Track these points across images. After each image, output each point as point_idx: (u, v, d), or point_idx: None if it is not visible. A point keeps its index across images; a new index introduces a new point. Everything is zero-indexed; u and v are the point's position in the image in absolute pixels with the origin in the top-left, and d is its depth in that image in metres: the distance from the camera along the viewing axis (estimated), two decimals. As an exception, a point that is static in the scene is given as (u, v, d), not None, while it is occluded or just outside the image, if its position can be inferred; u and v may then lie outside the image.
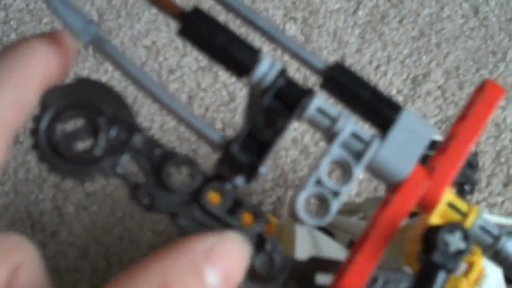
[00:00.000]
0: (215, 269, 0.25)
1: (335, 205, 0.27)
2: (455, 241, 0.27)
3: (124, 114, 0.28)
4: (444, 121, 0.71)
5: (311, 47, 0.74)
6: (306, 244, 0.45)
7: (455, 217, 0.29)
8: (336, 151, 0.28)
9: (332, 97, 0.29)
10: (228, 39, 0.27)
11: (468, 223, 0.29)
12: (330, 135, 0.28)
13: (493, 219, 0.44)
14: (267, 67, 0.27)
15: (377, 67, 0.74)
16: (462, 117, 0.30)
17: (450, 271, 0.27)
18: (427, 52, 0.76)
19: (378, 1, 0.79)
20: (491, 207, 0.66)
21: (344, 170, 0.28)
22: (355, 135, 0.28)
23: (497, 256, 0.30)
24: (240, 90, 0.71)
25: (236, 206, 0.28)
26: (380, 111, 0.28)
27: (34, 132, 0.28)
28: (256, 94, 0.28)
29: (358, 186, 0.67)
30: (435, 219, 0.29)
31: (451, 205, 0.29)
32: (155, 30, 0.74)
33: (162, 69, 0.72)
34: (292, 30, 0.75)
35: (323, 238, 0.47)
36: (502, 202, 0.66)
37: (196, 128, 0.27)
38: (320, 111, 0.28)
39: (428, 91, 0.73)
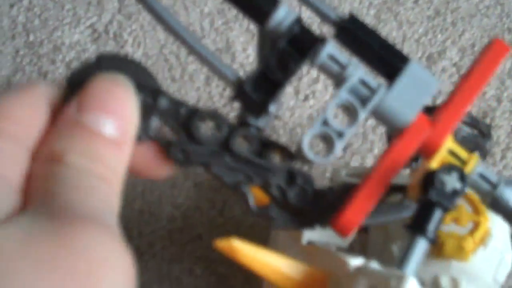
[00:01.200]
0: (98, 114, 0.25)
1: (339, 145, 0.29)
2: (451, 181, 0.28)
3: (147, 81, 0.30)
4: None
5: (326, 29, 0.75)
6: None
7: (456, 163, 0.31)
8: (343, 95, 0.29)
9: (344, 47, 0.30)
10: None
11: (468, 169, 0.31)
12: (339, 81, 0.30)
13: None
14: (284, 14, 0.29)
15: (393, 46, 0.75)
16: (468, 72, 0.32)
17: (446, 208, 0.28)
18: (443, 31, 0.76)
19: (393, -18, 0.80)
20: (505, 179, 0.67)
21: (350, 114, 0.29)
22: (363, 82, 0.29)
23: (495, 203, 0.32)
24: (257, 71, 0.72)
25: (263, 147, 0.30)
26: (388, 61, 0.30)
27: None
28: (271, 39, 0.30)
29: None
30: (435, 164, 0.30)
31: (452, 152, 0.31)
32: (174, 14, 0.76)
33: (181, 51, 0.73)
34: (307, 12, 0.76)
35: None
36: (517, 175, 0.67)
37: (214, 65, 0.29)
38: (331, 58, 0.29)
39: (443, 68, 0.73)
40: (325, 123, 0.29)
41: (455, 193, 0.28)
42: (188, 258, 0.63)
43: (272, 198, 0.30)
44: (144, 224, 0.63)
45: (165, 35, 0.74)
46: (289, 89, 0.71)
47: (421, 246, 0.28)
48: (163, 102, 0.30)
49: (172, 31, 0.29)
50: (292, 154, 0.30)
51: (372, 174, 0.29)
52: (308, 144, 0.28)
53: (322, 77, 0.71)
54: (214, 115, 0.30)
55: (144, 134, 0.29)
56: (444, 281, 0.41)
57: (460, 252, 0.39)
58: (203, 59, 0.29)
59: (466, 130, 0.45)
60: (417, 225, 0.28)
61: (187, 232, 0.63)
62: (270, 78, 0.29)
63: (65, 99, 0.27)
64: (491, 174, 0.31)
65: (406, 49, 0.75)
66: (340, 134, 0.29)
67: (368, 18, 0.77)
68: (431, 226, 0.28)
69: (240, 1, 0.29)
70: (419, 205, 0.29)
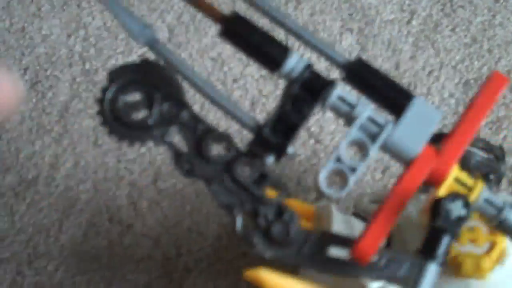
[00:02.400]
0: None
1: (352, 179, 0.32)
2: (456, 209, 0.31)
3: (176, 93, 0.33)
4: (495, 122, 0.74)
5: (366, 56, 0.79)
6: (341, 228, 0.50)
7: (462, 190, 0.34)
8: (354, 133, 0.32)
9: (353, 88, 0.34)
10: (262, 39, 0.32)
11: (474, 196, 0.34)
12: (349, 120, 0.33)
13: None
14: (295, 62, 0.32)
15: (430, 72, 0.78)
16: (471, 104, 0.35)
17: (453, 234, 0.31)
18: (479, 58, 0.79)
19: (431, 11, 0.82)
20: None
21: (361, 150, 0.33)
22: (371, 120, 0.32)
23: (501, 225, 0.34)
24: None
25: (262, 179, 0.34)
26: (394, 98, 0.33)
27: (100, 101, 0.33)
28: (287, 85, 0.33)
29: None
30: (443, 192, 0.33)
31: (458, 180, 0.34)
32: (221, 43, 0.80)
33: (227, 78, 0.77)
34: (348, 40, 0.80)
35: (357, 223, 0.51)
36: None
37: (234, 114, 0.33)
38: (341, 99, 0.33)
39: (479, 94, 0.76)
40: (339, 160, 0.32)
41: (460, 220, 0.31)
42: (233, 274, 0.66)
43: (257, 227, 0.33)
44: (193, 242, 0.67)
45: (212, 63, 0.79)
46: (329, 114, 0.74)
47: (431, 270, 0.31)
48: (185, 115, 0.33)
49: (190, 82, 0.33)
50: (285, 191, 0.33)
51: (385, 204, 0.32)
52: (325, 181, 0.32)
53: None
54: (227, 138, 0.34)
55: (160, 139, 0.33)
56: (464, 300, 0.43)
57: (478, 271, 0.42)
58: (223, 108, 0.33)
59: (481, 154, 0.47)
60: (427, 251, 0.32)
61: (232, 249, 0.67)
62: (286, 122, 0.32)
63: (106, 85, 0.32)
64: (496, 198, 0.34)
65: (443, 76, 0.77)
66: (353, 169, 0.32)
67: (406, 46, 0.80)
68: (440, 251, 0.31)
69: (254, 52, 0.33)
70: (428, 231, 0.32)
